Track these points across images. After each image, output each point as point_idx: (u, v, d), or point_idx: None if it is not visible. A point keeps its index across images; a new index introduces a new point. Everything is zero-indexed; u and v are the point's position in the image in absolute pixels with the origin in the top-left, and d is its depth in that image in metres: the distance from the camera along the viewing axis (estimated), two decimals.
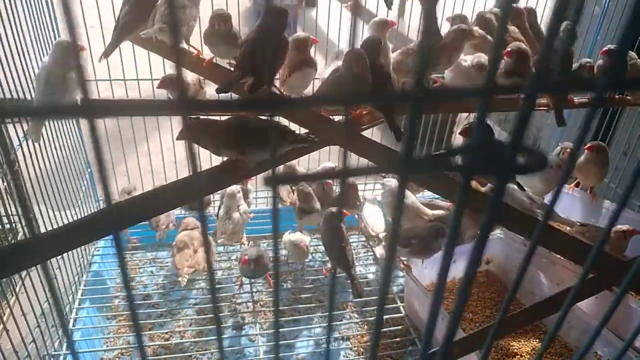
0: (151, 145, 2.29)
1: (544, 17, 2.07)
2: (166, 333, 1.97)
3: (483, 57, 1.51)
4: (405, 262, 1.98)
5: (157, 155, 2.27)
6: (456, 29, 1.55)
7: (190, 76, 1.68)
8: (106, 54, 1.45)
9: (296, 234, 2.12)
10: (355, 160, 2.21)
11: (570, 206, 2.19)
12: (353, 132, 1.45)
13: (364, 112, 1.55)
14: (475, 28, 1.61)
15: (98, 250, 2.28)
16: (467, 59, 1.53)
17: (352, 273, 1.85)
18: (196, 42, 1.52)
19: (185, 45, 1.50)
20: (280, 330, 1.99)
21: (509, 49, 1.47)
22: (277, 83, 1.54)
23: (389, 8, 1.67)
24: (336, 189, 2.40)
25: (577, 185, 2.24)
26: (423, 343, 0.47)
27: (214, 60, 1.51)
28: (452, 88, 1.41)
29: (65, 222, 1.77)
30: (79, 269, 2.06)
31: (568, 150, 1.89)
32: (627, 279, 0.53)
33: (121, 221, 1.12)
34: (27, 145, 1.58)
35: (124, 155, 2.31)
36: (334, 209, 2.04)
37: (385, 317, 2.03)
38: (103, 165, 0.32)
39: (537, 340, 1.84)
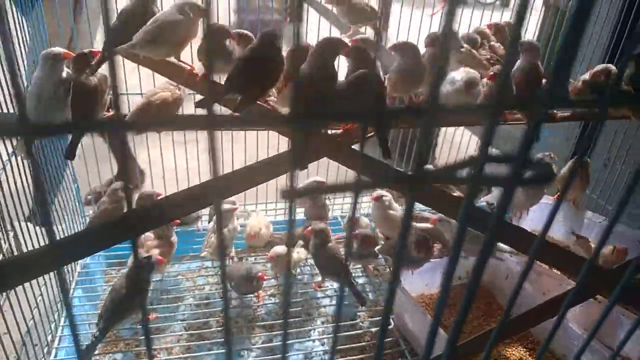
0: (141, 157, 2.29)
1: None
2: (154, 350, 1.94)
3: (472, 73, 1.54)
4: None
5: (145, 170, 2.28)
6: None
7: None
8: (92, 71, 1.47)
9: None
10: (341, 172, 2.24)
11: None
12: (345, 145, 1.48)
13: (357, 126, 1.58)
14: (465, 46, 1.66)
15: (84, 267, 2.25)
16: (455, 75, 1.55)
17: (352, 282, 1.87)
18: (187, 57, 1.54)
19: (175, 61, 1.52)
20: (271, 344, 1.98)
21: (492, 73, 1.50)
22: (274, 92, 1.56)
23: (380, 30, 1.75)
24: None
25: (559, 197, 2.30)
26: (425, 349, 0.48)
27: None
28: (464, 105, 1.43)
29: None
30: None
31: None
32: (617, 290, 0.56)
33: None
34: (11, 161, 1.57)
35: (111, 171, 2.30)
36: (322, 225, 2.07)
37: (373, 329, 2.04)
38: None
39: (524, 349, 1.86)
